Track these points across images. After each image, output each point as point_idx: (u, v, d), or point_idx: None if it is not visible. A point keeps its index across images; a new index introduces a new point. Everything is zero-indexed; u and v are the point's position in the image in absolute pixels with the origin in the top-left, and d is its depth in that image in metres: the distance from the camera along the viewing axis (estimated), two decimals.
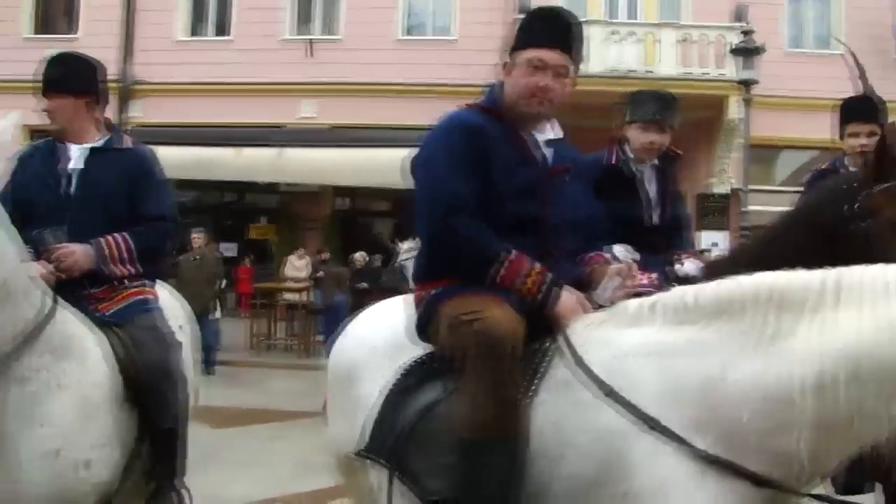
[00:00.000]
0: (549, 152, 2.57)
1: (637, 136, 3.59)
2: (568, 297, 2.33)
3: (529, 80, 2.49)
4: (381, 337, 2.74)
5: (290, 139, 15.91)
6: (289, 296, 14.14)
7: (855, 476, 3.11)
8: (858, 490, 3.16)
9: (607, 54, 15.36)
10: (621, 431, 2.01)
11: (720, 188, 16.45)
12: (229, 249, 17.37)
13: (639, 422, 2.00)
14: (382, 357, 2.64)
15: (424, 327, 2.49)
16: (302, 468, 6.30)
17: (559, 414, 2.12)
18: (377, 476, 2.53)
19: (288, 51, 17.31)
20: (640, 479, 1.96)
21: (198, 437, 7.73)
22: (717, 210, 16.37)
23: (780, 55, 16.05)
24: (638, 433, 1.99)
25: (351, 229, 18.10)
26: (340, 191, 16.84)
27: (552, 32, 2.52)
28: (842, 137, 3.85)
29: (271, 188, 17.35)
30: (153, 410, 3.01)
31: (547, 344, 2.27)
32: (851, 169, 3.64)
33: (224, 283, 12.64)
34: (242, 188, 17.67)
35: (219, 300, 12.33)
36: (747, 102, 13.37)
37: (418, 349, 2.55)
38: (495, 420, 2.11)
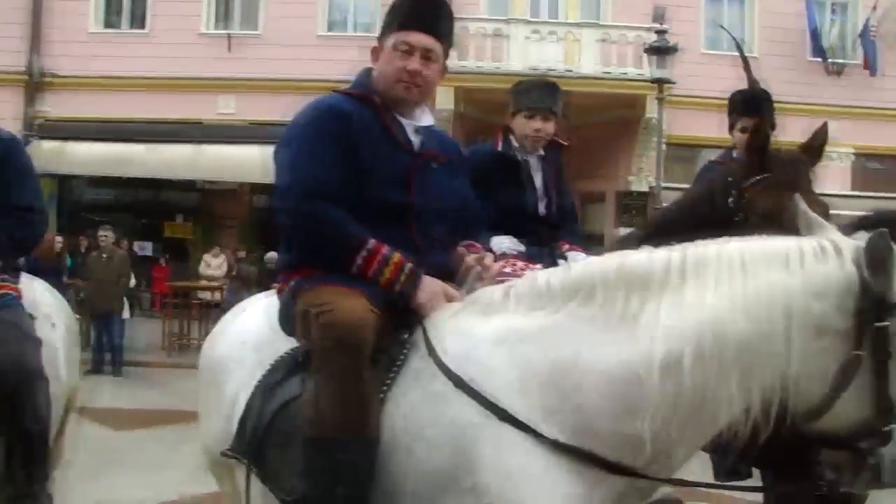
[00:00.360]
0: (420, 139, 2.49)
1: (523, 125, 3.54)
2: (430, 287, 2.24)
3: (398, 64, 2.42)
4: (251, 331, 2.63)
5: (208, 135, 15.60)
6: (203, 295, 13.82)
7: (737, 461, 3.11)
8: (741, 475, 3.17)
9: (528, 53, 15.48)
10: (471, 423, 1.93)
11: (639, 186, 16.73)
12: (145, 248, 16.99)
13: (488, 412, 1.92)
14: (251, 351, 2.53)
15: (287, 320, 2.39)
16: (207, 470, 6.12)
17: (413, 407, 2.04)
18: (242, 475, 2.42)
19: (206, 45, 16.96)
20: (488, 472, 1.89)
21: (100, 440, 7.52)
22: (635, 207, 16.63)
23: (698, 56, 16.41)
24: (487, 424, 1.92)
25: (270, 227, 17.81)
26: (259, 188, 16.54)
27: (421, 15, 2.44)
28: (731, 130, 3.87)
29: (188, 186, 17.00)
30: (10, 412, 2.83)
31: (407, 335, 2.19)
32: None
33: (135, 282, 12.28)
34: (158, 185, 17.25)
35: (130, 299, 11.98)
36: (662, 101, 13.62)
37: (288, 343, 2.44)
38: (345, 417, 2.01)
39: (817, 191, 3.05)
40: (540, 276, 2.11)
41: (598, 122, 16.05)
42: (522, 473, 1.87)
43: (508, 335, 2.02)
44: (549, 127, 3.54)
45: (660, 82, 13.24)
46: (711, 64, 17.14)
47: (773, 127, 3.77)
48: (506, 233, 3.36)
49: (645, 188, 16.60)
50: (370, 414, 2.03)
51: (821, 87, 18.22)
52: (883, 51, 18.49)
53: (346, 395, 2.02)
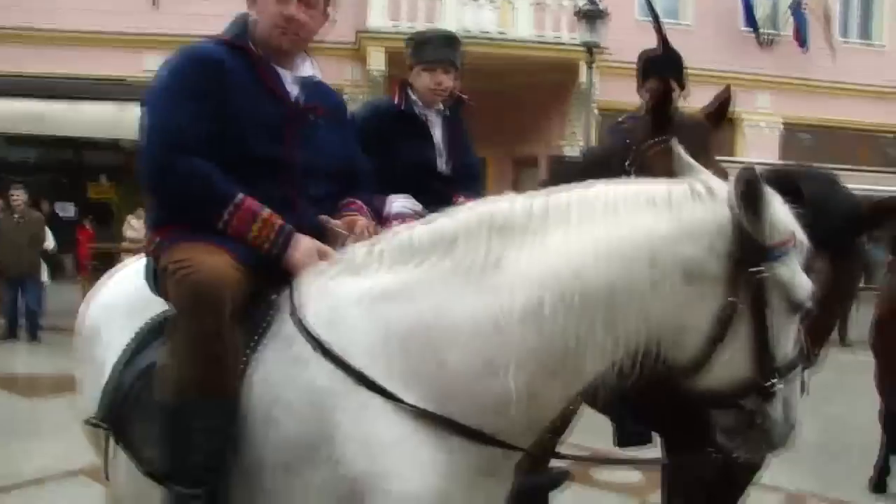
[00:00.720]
0: (299, 90, 2.35)
1: (423, 80, 3.42)
2: (303, 246, 2.12)
3: (274, 10, 2.27)
4: (124, 295, 2.50)
5: (133, 94, 15.02)
6: (127, 258, 13.40)
7: (636, 427, 3.09)
8: (641, 441, 3.15)
9: (463, 16, 15.28)
10: (330, 389, 1.82)
11: (571, 151, 16.74)
12: (66, 210, 16.43)
13: (347, 377, 1.81)
14: (123, 315, 2.41)
15: (153, 280, 2.26)
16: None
17: (276, 373, 1.92)
18: (111, 445, 2.30)
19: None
20: (346, 441, 1.78)
21: (8, 407, 7.23)
22: None
23: (632, 24, 16.40)
24: (347, 390, 1.81)
25: None
26: None
27: None
28: (640, 92, 3.79)
29: (112, 146, 16.38)
30: None
31: (276, 296, 2.06)
32: None
33: (54, 245, 11.81)
34: (81, 145, 16.65)
35: (50, 263, 11.55)
36: (592, 66, 13.61)
37: (162, 306, 2.31)
38: (200, 381, 1.89)
39: (747, 159, 3.00)
40: (407, 229, 2.00)
41: (532, 87, 16.00)
42: (381, 443, 1.77)
43: (370, 294, 1.90)
44: (450, 81, 3.42)
45: (589, 47, 13.21)
46: (645, 32, 17.07)
47: (683, 89, 3.70)
48: (405, 191, 3.25)
49: (577, 154, 16.65)
50: (228, 376, 1.91)
51: (752, 59, 18.46)
52: (812, 24, 18.78)
53: (202, 356, 1.89)
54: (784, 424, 1.89)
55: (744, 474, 3.19)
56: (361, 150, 2.64)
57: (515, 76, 15.60)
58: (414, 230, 1.97)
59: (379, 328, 1.85)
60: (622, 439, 3.15)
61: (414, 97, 3.44)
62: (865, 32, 20.10)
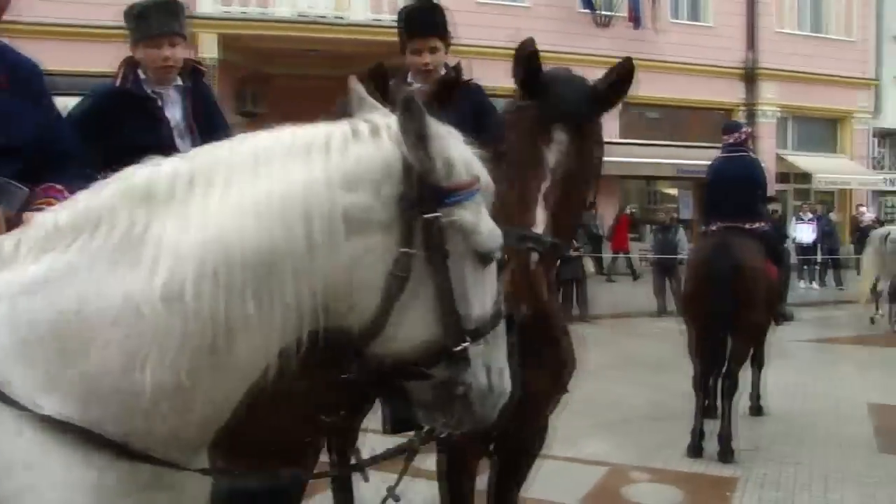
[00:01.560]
0: None
1: (148, 56, 3.15)
2: None
3: None
4: None
5: None
6: None
7: (406, 412, 2.93)
8: (411, 426, 3.00)
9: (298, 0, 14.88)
10: None
11: None
12: None
13: None
14: None
15: None
16: None
17: None
18: None
19: None
20: None
21: None
22: None
23: (472, 5, 16.46)
24: None
25: None
26: None
27: None
28: (403, 52, 3.54)
29: None
30: None
31: None
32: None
33: None
34: None
35: None
36: None
37: None
38: None
39: None
40: (48, 213, 1.71)
41: None
42: (10, 463, 1.49)
43: (12, 289, 1.60)
44: (178, 52, 3.17)
45: None
46: (488, 13, 17.32)
47: (448, 47, 3.48)
48: None
49: None
50: None
51: (590, 39, 18.91)
52: (645, 5, 19.45)
53: None
54: (490, 394, 1.72)
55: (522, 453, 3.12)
56: (82, 133, 2.35)
57: (356, 61, 15.29)
58: (61, 211, 1.69)
59: (17, 326, 1.57)
60: (392, 425, 2.99)
61: (143, 76, 3.17)
62: (694, 13, 21.00)
